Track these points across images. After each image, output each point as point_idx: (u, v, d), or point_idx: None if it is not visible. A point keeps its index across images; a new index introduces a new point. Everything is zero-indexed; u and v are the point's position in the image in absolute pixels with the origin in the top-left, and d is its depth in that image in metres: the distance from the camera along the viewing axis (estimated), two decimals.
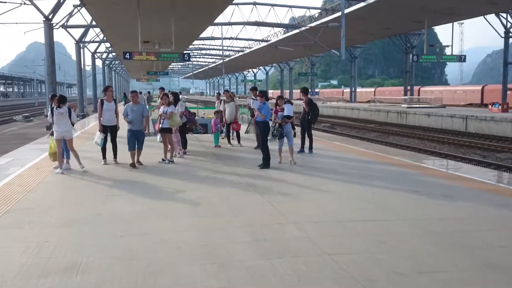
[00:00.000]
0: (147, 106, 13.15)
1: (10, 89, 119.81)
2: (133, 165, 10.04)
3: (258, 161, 10.18)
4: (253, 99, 12.43)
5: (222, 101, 14.41)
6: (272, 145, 10.40)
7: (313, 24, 34.77)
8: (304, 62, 63.46)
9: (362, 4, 29.70)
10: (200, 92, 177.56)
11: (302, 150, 12.12)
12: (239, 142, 13.88)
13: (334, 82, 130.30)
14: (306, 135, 12.20)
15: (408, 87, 46.34)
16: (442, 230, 5.61)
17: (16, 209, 6.50)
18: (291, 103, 10.86)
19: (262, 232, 5.48)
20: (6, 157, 12.44)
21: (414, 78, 47.63)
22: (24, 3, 18.08)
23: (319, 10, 44.95)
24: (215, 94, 15.60)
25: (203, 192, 7.61)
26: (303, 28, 33.84)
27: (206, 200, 7.08)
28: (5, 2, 15.78)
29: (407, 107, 35.47)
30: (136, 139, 10.20)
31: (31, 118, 42.56)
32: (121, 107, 13.71)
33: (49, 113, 9.80)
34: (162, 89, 14.64)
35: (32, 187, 7.98)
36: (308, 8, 44.49)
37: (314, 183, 8.41)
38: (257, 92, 11.58)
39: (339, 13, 29.69)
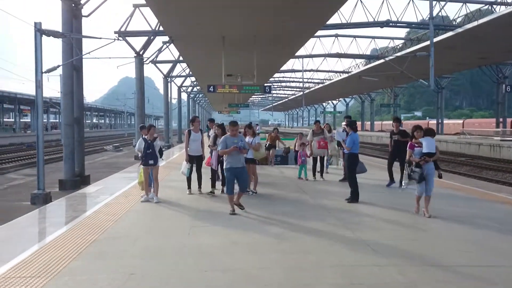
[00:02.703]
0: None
1: (102, 121, 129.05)
2: (233, 212, 8.28)
3: (345, 194, 9.64)
4: (343, 129, 11.71)
5: (312, 132, 13.63)
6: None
7: (400, 54, 33.80)
8: (386, 93, 61.88)
9: (450, 34, 28.48)
10: (277, 124, 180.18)
11: (391, 182, 11.39)
12: (321, 175, 13.32)
13: (418, 113, 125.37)
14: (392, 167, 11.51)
15: (501, 119, 43.33)
16: None
17: (103, 239, 6.52)
18: (432, 135, 8.11)
19: (358, 274, 4.96)
20: (96, 186, 12.96)
21: (507, 110, 44.54)
22: (118, 39, 19.23)
23: (403, 41, 43.88)
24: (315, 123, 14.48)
25: (289, 226, 7.22)
26: (390, 58, 32.98)
27: (292, 235, 6.68)
28: (100, 38, 16.79)
29: (501, 140, 32.96)
30: (238, 179, 8.34)
31: (121, 148, 44.98)
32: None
33: (138, 143, 9.98)
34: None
35: (119, 216, 8.07)
36: (392, 38, 43.60)
37: (410, 220, 7.71)
38: (345, 121, 11.02)
39: (427, 42, 28.63)
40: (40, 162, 14.41)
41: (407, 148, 8.09)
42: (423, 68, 29.72)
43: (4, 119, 75.82)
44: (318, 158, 13.25)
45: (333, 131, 13.96)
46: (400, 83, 54.71)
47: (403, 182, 8.05)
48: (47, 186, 15.14)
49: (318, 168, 13.26)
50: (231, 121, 8.86)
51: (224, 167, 8.52)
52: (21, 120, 73.34)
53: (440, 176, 8.45)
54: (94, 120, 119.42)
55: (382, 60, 35.52)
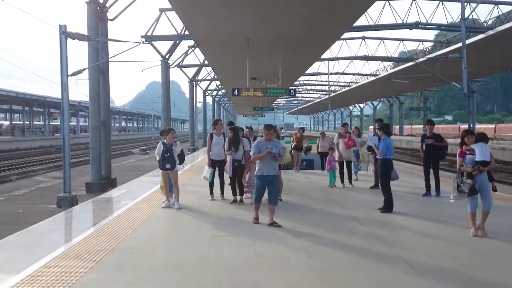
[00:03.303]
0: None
1: (130, 124, 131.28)
2: (256, 221, 7.72)
3: (377, 203, 9.06)
4: (374, 133, 11.00)
5: (338, 134, 13.11)
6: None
7: (432, 55, 32.84)
8: (416, 97, 60.51)
9: (482, 36, 27.47)
10: (301, 128, 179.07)
11: (428, 193, 10.71)
12: (350, 181, 12.71)
13: (449, 117, 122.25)
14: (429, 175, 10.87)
15: None
16: None
17: (121, 248, 6.16)
18: (486, 140, 7.12)
19: None
20: (120, 189, 12.73)
21: None
22: (144, 43, 19.12)
23: (432, 43, 42.67)
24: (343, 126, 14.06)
25: (317, 239, 6.69)
26: (421, 59, 32.06)
27: (322, 249, 6.16)
28: (126, 42, 16.67)
29: None
30: (268, 188, 7.58)
31: (147, 151, 45.16)
32: None
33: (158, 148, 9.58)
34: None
35: (139, 223, 7.71)
36: (421, 41, 42.50)
37: (451, 234, 7.06)
38: (376, 125, 10.38)
39: (458, 44, 27.66)
40: (66, 165, 14.31)
41: (457, 156, 7.17)
42: (454, 70, 28.70)
43: (35, 122, 77.52)
44: (345, 163, 12.67)
45: (363, 136, 13.33)
46: (430, 86, 53.31)
47: (451, 195, 7.10)
48: (74, 189, 15.07)
49: (345, 174, 12.68)
50: (265, 124, 8.02)
51: (255, 173, 7.84)
52: (50, 123, 74.85)
53: (494, 189, 7.37)
54: (123, 124, 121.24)
55: (412, 62, 34.60)
